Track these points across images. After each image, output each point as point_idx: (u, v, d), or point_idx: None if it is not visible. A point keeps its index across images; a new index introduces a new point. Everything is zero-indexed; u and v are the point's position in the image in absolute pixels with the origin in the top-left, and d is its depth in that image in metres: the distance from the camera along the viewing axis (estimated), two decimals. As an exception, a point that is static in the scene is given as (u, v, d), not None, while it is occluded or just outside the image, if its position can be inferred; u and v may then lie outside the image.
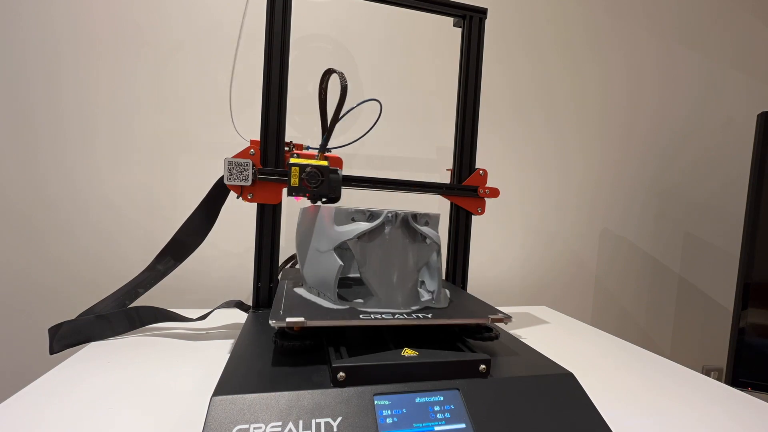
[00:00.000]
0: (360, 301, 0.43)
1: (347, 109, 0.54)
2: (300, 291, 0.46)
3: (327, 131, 0.53)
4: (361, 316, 0.38)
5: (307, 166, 0.47)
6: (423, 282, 0.47)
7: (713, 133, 1.14)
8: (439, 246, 0.45)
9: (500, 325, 0.50)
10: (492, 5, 0.94)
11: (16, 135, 0.73)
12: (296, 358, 0.37)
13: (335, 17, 0.85)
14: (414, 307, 0.42)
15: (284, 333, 0.39)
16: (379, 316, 0.38)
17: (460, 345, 0.41)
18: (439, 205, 0.92)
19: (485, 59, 0.93)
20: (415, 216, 0.43)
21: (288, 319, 0.35)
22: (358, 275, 0.44)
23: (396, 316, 0.39)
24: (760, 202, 0.84)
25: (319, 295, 0.44)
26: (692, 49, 1.10)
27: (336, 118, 0.52)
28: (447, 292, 0.50)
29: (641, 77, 1.07)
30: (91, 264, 0.78)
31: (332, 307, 0.40)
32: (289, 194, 0.48)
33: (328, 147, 0.60)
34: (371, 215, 0.42)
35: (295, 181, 0.47)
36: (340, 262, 0.42)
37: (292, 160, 0.48)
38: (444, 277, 0.64)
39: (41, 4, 0.73)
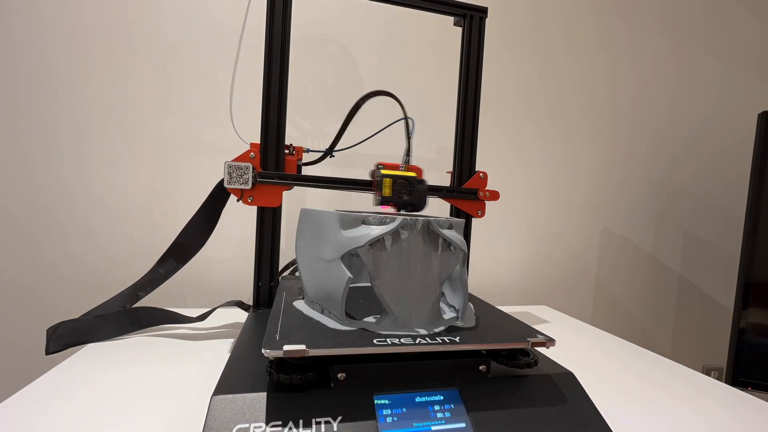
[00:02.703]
0: (372, 319, 0.38)
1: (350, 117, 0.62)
2: (300, 306, 0.41)
3: (406, 149, 0.58)
4: (375, 341, 0.32)
5: (399, 177, 0.51)
6: (443, 295, 0.41)
7: (713, 133, 1.14)
8: (465, 254, 0.39)
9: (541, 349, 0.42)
10: (500, 2, 0.94)
11: (10, 136, 0.73)
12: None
13: (336, 17, 0.85)
14: (437, 329, 0.36)
15: (282, 362, 0.32)
16: (397, 341, 0.33)
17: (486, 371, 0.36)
18: (439, 207, 0.92)
19: (492, 57, 0.93)
20: (438, 220, 0.38)
21: (286, 348, 0.29)
22: (368, 284, 0.40)
23: (418, 341, 0.33)
24: (761, 202, 0.84)
25: (322, 312, 0.39)
26: (693, 50, 1.10)
27: (408, 136, 0.58)
28: (472, 307, 0.44)
29: (644, 78, 1.07)
30: (85, 269, 0.77)
31: (339, 329, 0.35)
32: (379, 203, 0.52)
33: (335, 150, 0.63)
34: (385, 218, 0.36)
35: (387, 191, 0.51)
36: (349, 274, 0.36)
37: (383, 172, 0.52)
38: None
39: (35, 3, 0.73)
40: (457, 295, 0.40)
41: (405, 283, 0.36)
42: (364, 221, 0.37)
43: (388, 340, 0.33)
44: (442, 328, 0.37)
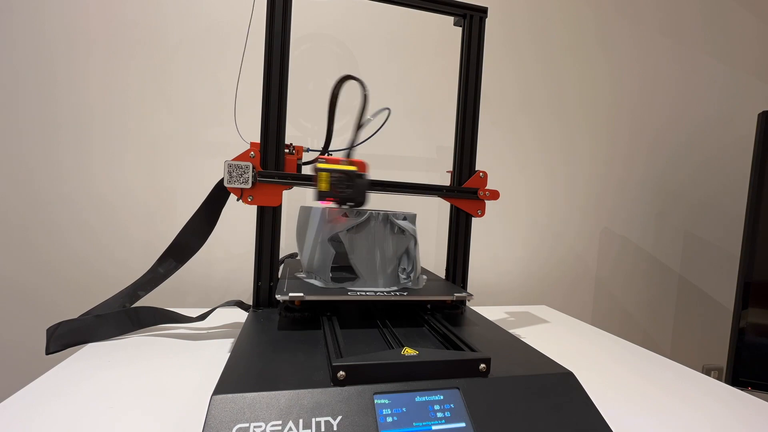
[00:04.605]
0: (349, 282, 0.51)
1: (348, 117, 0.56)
2: (300, 275, 0.55)
3: (351, 138, 0.54)
4: (349, 293, 0.47)
5: (336, 171, 0.49)
6: (405, 268, 0.54)
7: (713, 133, 1.14)
8: (414, 238, 0.52)
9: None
10: (500, 2, 0.94)
11: (10, 136, 0.73)
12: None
13: (336, 16, 0.85)
14: (393, 288, 0.50)
15: (288, 307, 0.48)
16: (363, 293, 0.47)
17: (428, 317, 0.49)
18: (439, 206, 0.92)
19: (493, 56, 0.93)
20: (395, 213, 0.52)
21: (290, 294, 0.44)
22: (348, 264, 0.51)
23: (377, 294, 0.48)
24: (761, 202, 0.84)
25: (315, 279, 0.52)
26: (693, 50, 1.10)
27: (358, 125, 0.54)
28: (424, 276, 0.57)
29: (644, 78, 1.07)
30: (85, 269, 0.77)
31: (326, 287, 0.49)
32: (317, 199, 0.50)
33: (330, 150, 0.61)
34: (359, 212, 0.50)
35: (323, 186, 0.48)
36: (333, 250, 0.50)
37: (320, 165, 0.49)
38: (444, 277, 0.64)
39: (35, 3, 0.73)
40: (410, 266, 0.53)
41: (371, 256, 0.50)
42: (345, 214, 0.50)
43: (357, 292, 0.47)
44: (396, 288, 0.51)
